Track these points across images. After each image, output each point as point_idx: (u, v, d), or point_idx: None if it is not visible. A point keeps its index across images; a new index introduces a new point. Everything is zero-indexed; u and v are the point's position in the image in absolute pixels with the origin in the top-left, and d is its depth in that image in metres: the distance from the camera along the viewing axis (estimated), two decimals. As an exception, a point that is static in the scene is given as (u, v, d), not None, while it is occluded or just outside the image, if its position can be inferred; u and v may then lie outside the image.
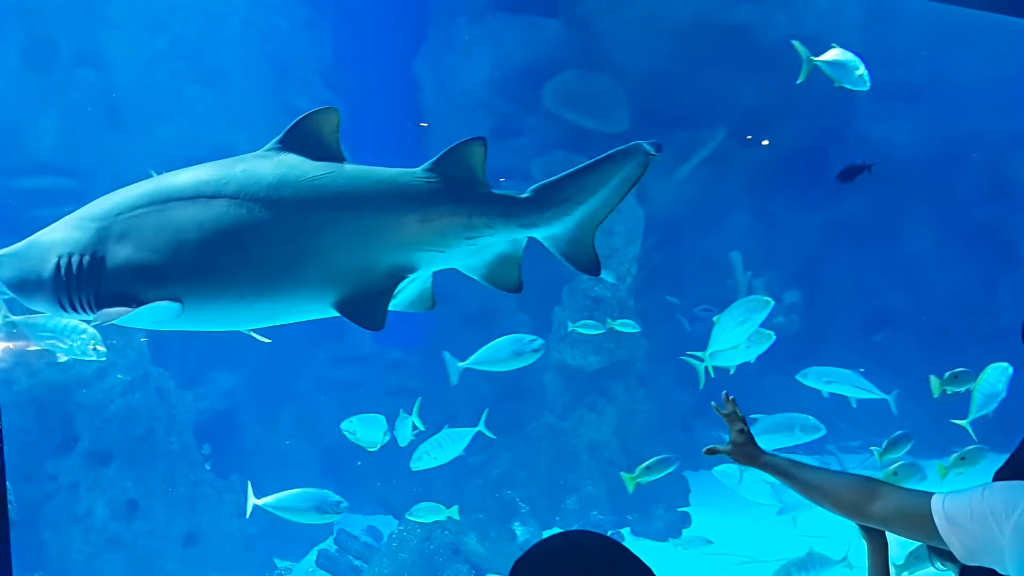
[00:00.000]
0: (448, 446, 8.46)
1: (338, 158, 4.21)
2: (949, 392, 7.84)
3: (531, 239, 4.34)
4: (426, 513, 8.61)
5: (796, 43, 7.47)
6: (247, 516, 8.10)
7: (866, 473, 3.06)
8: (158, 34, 12.20)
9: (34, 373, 9.42)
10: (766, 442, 8.36)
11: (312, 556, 10.66)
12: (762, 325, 8.03)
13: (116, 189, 4.29)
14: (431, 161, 4.18)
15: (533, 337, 8.33)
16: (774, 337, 8.18)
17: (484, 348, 8.25)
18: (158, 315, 4.05)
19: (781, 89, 13.34)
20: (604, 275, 11.22)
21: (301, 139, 4.20)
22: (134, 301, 4.01)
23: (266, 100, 12.44)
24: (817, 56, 7.48)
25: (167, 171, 4.33)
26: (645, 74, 13.32)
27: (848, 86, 7.52)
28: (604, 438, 11.88)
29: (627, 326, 10.30)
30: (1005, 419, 7.84)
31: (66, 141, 11.56)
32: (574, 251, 4.35)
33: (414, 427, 8.35)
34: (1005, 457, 2.91)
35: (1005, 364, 8.04)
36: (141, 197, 4.15)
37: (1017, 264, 15.27)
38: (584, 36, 13.50)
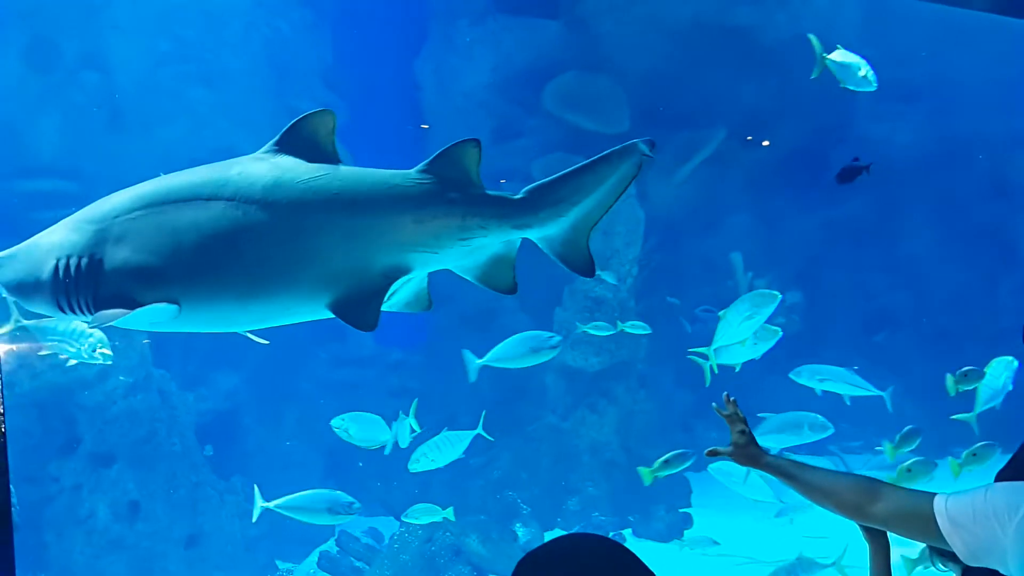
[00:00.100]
0: (446, 448, 8.45)
1: (334, 160, 4.23)
2: (961, 390, 7.82)
3: (527, 240, 4.34)
4: (422, 514, 8.60)
5: (812, 37, 7.46)
6: (254, 520, 8.11)
7: (877, 472, 3.07)
8: (160, 36, 12.21)
9: (36, 375, 9.43)
10: (774, 441, 8.36)
11: (313, 558, 10.66)
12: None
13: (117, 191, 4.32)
14: (425, 162, 4.20)
15: (551, 334, 8.36)
16: (780, 333, 8.09)
17: (501, 345, 8.24)
18: (155, 317, 4.07)
19: (781, 89, 13.41)
20: (605, 276, 11.22)
21: (297, 141, 4.23)
22: (131, 303, 4.04)
23: (268, 102, 12.45)
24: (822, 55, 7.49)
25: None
26: (645, 75, 13.32)
27: (852, 87, 7.52)
28: (605, 439, 11.88)
29: (637, 327, 10.26)
30: (1005, 419, 7.85)
31: (68, 143, 11.57)
32: (568, 252, 4.34)
33: (412, 429, 8.35)
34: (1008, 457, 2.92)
35: (1010, 358, 8.03)
36: (138, 199, 4.17)
37: (1017, 264, 15.27)
38: (584, 37, 13.50)
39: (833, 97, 10.13)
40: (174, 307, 4.04)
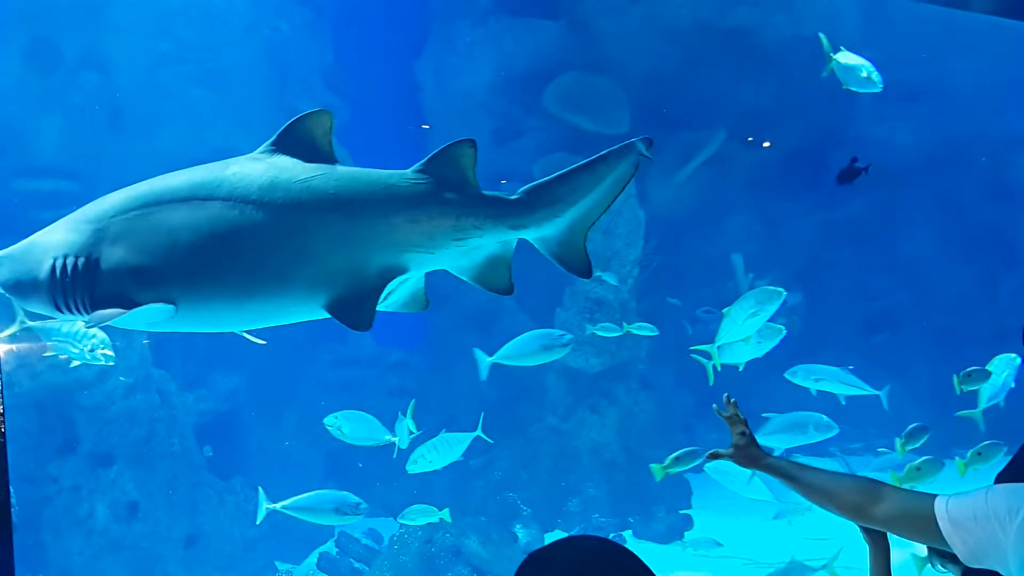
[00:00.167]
0: (444, 450, 8.42)
1: (330, 160, 4.23)
2: (966, 390, 7.80)
3: (526, 241, 4.33)
4: (418, 515, 8.58)
5: (822, 36, 7.45)
6: (258, 522, 8.10)
7: (879, 473, 3.06)
8: (160, 37, 12.20)
9: (36, 375, 9.43)
10: (779, 441, 8.32)
11: (313, 559, 10.66)
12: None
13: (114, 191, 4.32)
14: (421, 163, 4.19)
15: (562, 332, 8.34)
16: (784, 331, 8.02)
17: (512, 343, 8.22)
18: (152, 317, 4.08)
19: (781, 90, 13.41)
20: (606, 277, 11.21)
21: (294, 141, 4.22)
22: (128, 303, 4.04)
23: (268, 102, 12.44)
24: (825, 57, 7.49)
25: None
26: (646, 76, 13.33)
27: (855, 88, 7.50)
28: (606, 440, 11.87)
29: (644, 329, 10.22)
30: (1009, 418, 7.85)
31: (68, 144, 11.57)
32: (565, 253, 4.33)
33: (409, 430, 8.33)
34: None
35: (1013, 355, 8.01)
36: (135, 199, 4.17)
37: (1018, 265, 15.27)
38: (585, 38, 13.50)
39: (834, 98, 10.14)
40: (171, 307, 4.04)
